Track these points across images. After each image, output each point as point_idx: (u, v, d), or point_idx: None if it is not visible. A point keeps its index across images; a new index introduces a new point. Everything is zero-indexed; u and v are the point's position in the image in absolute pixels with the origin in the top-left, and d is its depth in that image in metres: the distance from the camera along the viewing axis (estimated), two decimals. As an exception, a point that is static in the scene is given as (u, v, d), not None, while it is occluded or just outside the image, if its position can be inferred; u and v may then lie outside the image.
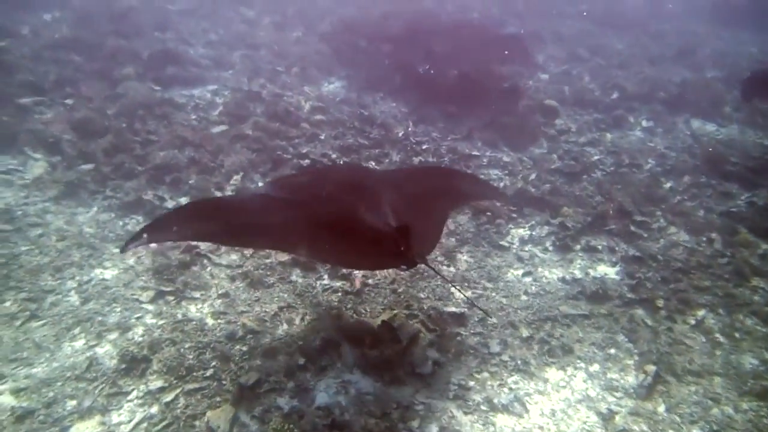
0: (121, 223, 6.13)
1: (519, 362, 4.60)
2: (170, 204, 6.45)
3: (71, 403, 4.06)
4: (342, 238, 4.13)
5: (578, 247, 6.05)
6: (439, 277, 5.49)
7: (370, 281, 5.48)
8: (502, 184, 7.05)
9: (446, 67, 9.28)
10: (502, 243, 6.13)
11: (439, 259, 5.87)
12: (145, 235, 3.65)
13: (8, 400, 4.05)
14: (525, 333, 4.89)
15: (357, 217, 4.17)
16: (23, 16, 11.51)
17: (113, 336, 4.69)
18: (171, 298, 5.15)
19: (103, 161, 6.97)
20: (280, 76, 9.84)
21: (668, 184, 6.83)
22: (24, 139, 7.22)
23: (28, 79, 8.58)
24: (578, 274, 5.68)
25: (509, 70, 9.78)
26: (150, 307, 5.04)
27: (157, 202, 6.42)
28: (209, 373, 4.35)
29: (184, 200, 6.54)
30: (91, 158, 7.02)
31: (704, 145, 7.51)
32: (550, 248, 6.09)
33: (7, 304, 4.88)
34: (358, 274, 5.56)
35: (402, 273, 5.52)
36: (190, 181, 6.73)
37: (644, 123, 8.42)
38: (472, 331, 4.91)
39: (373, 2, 13.97)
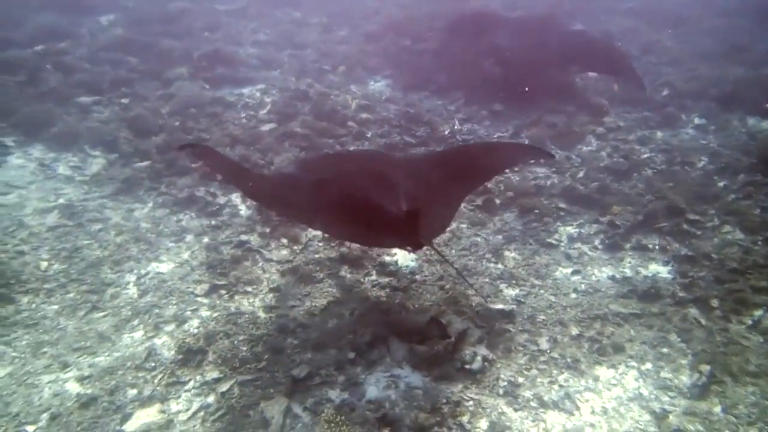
0: (175, 218, 6.31)
1: (569, 360, 4.58)
2: (222, 200, 6.60)
3: (132, 392, 4.22)
4: (354, 216, 4.47)
5: (628, 245, 5.97)
6: (467, 274, 5.52)
7: (417, 277, 5.53)
8: (549, 182, 7.01)
9: (517, 65, 9.22)
10: (550, 241, 6.09)
11: (486, 256, 5.88)
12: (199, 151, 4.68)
13: (74, 388, 4.23)
14: (574, 331, 4.87)
15: (370, 198, 4.44)
16: (81, 18, 11.90)
17: (170, 328, 4.84)
18: (224, 291, 5.29)
19: (157, 158, 7.18)
20: (326, 75, 9.95)
21: (722, 183, 6.68)
22: (84, 137, 7.49)
23: (86, 79, 8.91)
24: (629, 272, 5.61)
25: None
26: (204, 300, 5.18)
27: (209, 198, 6.58)
28: (262, 365, 4.46)
29: (234, 197, 6.68)
30: (146, 156, 7.25)
31: (761, 142, 7.31)
32: (600, 246, 6.03)
33: (71, 295, 5.10)
34: None
35: (450, 271, 5.55)
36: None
37: (696, 120, 8.24)
38: (520, 328, 4.90)
39: (419, 2, 13.98)
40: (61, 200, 6.38)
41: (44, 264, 5.41)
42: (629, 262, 5.76)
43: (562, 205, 6.62)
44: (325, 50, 11.03)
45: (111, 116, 8.11)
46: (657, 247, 5.90)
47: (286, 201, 4.80)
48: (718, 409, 4.14)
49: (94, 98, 8.55)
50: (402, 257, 5.83)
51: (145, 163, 7.09)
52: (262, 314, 5.02)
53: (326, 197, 4.60)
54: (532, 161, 7.41)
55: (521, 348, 4.71)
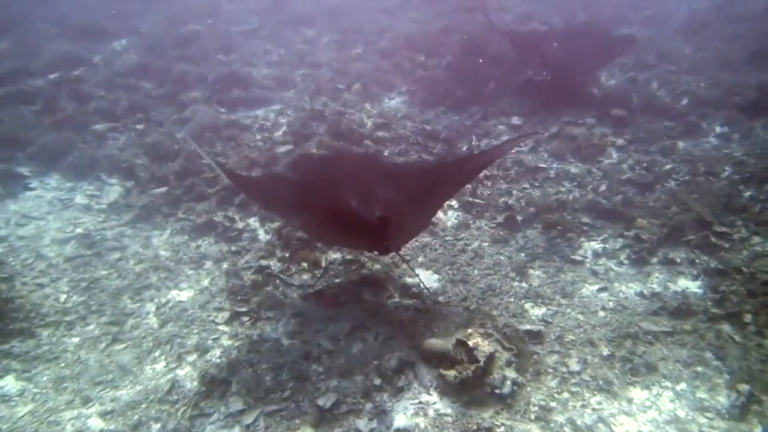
0: (194, 245, 6.27)
1: (601, 381, 4.45)
2: (240, 225, 6.56)
3: (156, 426, 4.15)
4: (330, 219, 4.84)
5: (655, 260, 5.84)
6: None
7: (441, 298, 5.44)
8: (571, 197, 6.89)
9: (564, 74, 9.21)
10: (574, 257, 5.97)
11: (510, 274, 5.77)
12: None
13: (97, 423, 4.17)
14: (605, 351, 4.74)
15: (346, 203, 4.76)
16: (95, 45, 11.99)
17: (192, 358, 4.78)
18: (246, 318, 5.22)
19: (174, 184, 7.15)
20: (341, 93, 9.91)
21: (748, 193, 6.52)
22: (100, 164, 7.49)
23: (101, 106, 8.94)
24: (657, 288, 5.47)
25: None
26: (226, 328, 5.12)
27: (227, 224, 6.54)
28: (287, 394, 4.38)
29: (252, 221, 6.64)
30: (163, 182, 7.22)
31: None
32: (626, 262, 5.90)
33: (91, 327, 5.05)
34: None
35: (474, 291, 5.45)
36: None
37: (718, 129, 8.08)
38: (549, 350, 4.79)
39: (432, 17, 13.97)
40: (79, 230, 6.35)
41: (64, 296, 5.37)
42: (657, 278, 5.62)
43: (585, 220, 6.50)
44: (339, 68, 11.00)
45: (127, 143, 8.12)
46: (685, 260, 5.76)
47: (271, 199, 5.18)
48: (758, 430, 4.00)
49: (109, 125, 8.57)
50: (424, 278, 5.73)
51: (162, 189, 7.06)
52: (285, 341, 4.94)
53: (305, 198, 4.94)
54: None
55: (551, 370, 4.59)
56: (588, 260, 5.96)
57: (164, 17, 14.11)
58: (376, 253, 5.37)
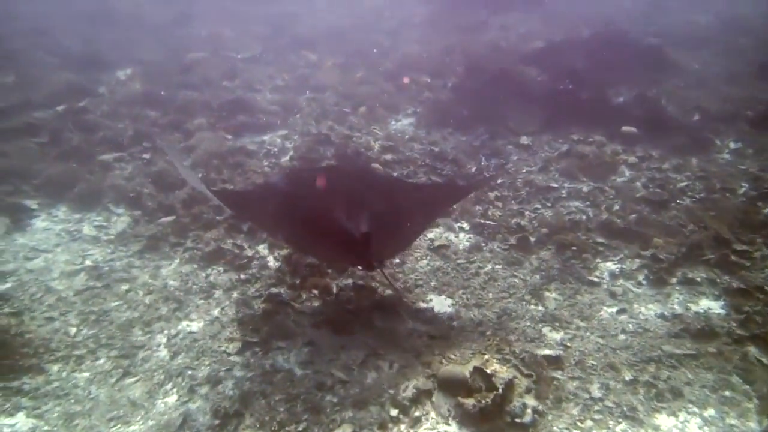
0: (203, 274, 6.18)
1: (625, 408, 4.33)
2: (249, 252, 6.48)
3: (169, 463, 4.04)
4: (315, 232, 4.95)
5: (674, 280, 5.74)
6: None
7: (455, 324, 5.33)
8: (584, 217, 6.81)
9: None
10: (591, 278, 5.88)
11: (526, 297, 5.67)
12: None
13: (109, 462, 4.06)
14: (628, 376, 4.62)
15: (332, 218, 4.89)
16: (99, 75, 12.02)
17: (204, 390, 4.67)
18: (257, 348, 5.11)
19: (182, 213, 7.09)
20: (347, 117, 9.89)
21: (767, 209, 6.45)
22: (107, 195, 7.44)
23: (107, 136, 8.90)
24: (678, 309, 5.36)
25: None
26: (238, 358, 5.00)
27: (236, 251, 6.46)
28: (302, 426, 4.25)
29: (261, 248, 6.56)
30: (170, 210, 7.16)
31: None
32: (644, 282, 5.80)
33: (101, 361, 4.94)
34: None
35: (490, 315, 5.35)
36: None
37: (732, 145, 8.00)
38: (569, 375, 4.68)
39: (434, 38, 14.01)
40: (88, 262, 6.28)
41: (73, 329, 5.27)
42: (677, 298, 5.52)
43: (600, 240, 6.41)
44: (343, 92, 11.00)
45: (134, 172, 8.07)
46: (705, 280, 5.66)
47: (258, 210, 5.30)
48: (793, 456, 3.87)
49: (115, 155, 8.52)
50: (437, 303, 5.64)
51: (170, 218, 7.00)
52: (298, 371, 4.83)
53: (293, 210, 5.07)
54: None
55: (572, 397, 4.47)
56: (605, 281, 5.86)
57: (167, 46, 14.19)
58: (359, 268, 5.68)
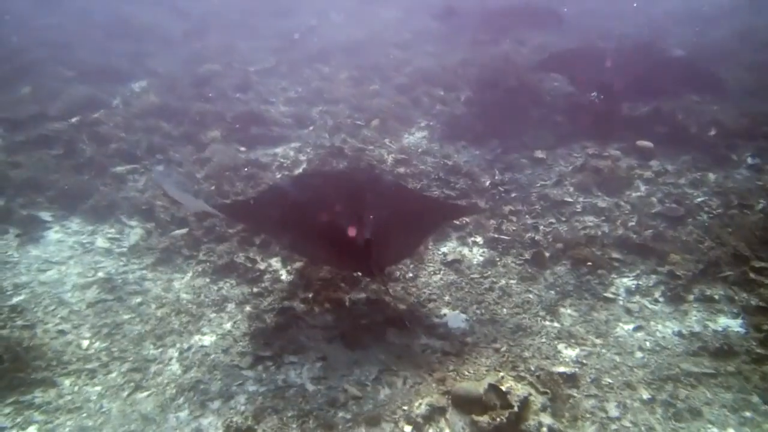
0: (215, 287, 6.16)
1: (643, 428, 4.25)
2: (262, 266, 6.45)
3: (181, 480, 4.00)
4: (318, 237, 5.10)
5: (692, 297, 5.65)
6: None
7: (469, 339, 5.28)
8: (600, 232, 6.74)
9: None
10: (606, 294, 5.81)
11: (540, 313, 5.61)
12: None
13: (120, 478, 4.03)
14: (645, 394, 4.55)
15: (337, 223, 4.96)
16: (113, 87, 12.07)
17: (216, 405, 4.63)
18: (270, 363, 5.07)
19: (194, 225, 7.08)
20: (360, 130, 9.87)
21: (786, 226, 6.37)
22: (120, 207, 7.45)
23: (121, 148, 8.92)
24: (696, 327, 5.28)
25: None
26: (250, 373, 4.97)
27: (249, 264, 6.44)
28: (315, 443, 4.22)
29: (274, 261, 6.53)
30: (183, 223, 7.15)
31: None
32: (661, 299, 5.72)
33: (113, 375, 4.92)
34: None
35: (504, 331, 5.30)
36: (279, 241, 6.71)
37: (749, 160, 7.87)
38: (586, 393, 4.61)
39: (448, 51, 14.01)
40: (101, 274, 6.27)
41: (86, 343, 5.26)
42: (695, 316, 5.43)
43: (616, 256, 6.34)
44: (357, 104, 10.98)
45: (147, 184, 8.08)
46: (723, 298, 5.57)
47: (263, 215, 5.42)
48: (816, 479, 3.78)
49: (129, 167, 8.54)
50: (451, 318, 5.59)
51: (182, 231, 6.99)
52: (310, 386, 4.79)
53: (297, 216, 5.19)
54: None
55: (589, 415, 4.40)
56: (621, 298, 5.79)
57: (181, 58, 14.24)
58: (359, 274, 5.87)
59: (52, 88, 11.28)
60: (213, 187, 7.90)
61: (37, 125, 9.54)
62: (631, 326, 5.38)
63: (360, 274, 5.85)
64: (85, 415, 4.52)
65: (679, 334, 5.21)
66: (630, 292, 5.86)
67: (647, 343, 5.13)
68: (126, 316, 5.64)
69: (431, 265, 6.51)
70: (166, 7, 19.67)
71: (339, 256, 5.21)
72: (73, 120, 9.93)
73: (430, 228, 5.98)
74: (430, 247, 6.80)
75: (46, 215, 7.30)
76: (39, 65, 12.84)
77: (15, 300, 5.74)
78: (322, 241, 5.12)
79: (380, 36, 16.26)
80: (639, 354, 5.00)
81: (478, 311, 5.71)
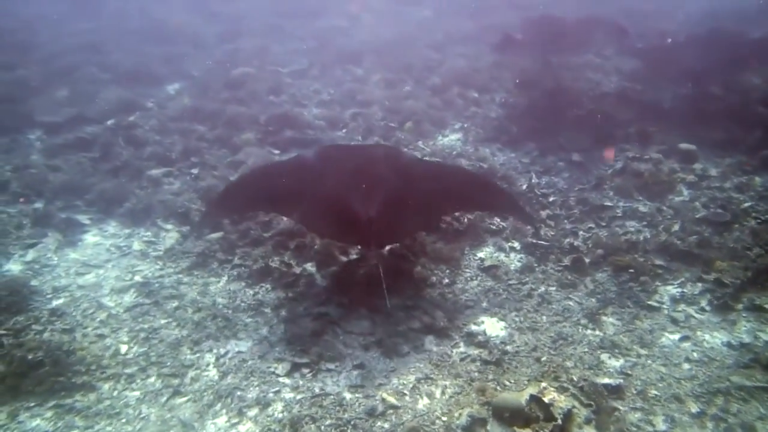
0: (251, 291, 6.13)
1: (693, 443, 4.12)
2: (297, 270, 6.41)
3: (220, 489, 3.96)
4: (326, 210, 5.43)
5: (740, 306, 5.47)
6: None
7: (508, 348, 5.17)
8: (641, 237, 6.58)
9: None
10: (650, 303, 5.65)
11: (582, 321, 5.48)
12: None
13: (160, 486, 4.01)
14: (694, 408, 4.40)
15: (346, 197, 5.35)
16: (149, 90, 12.18)
17: (253, 412, 4.60)
18: (306, 370, 5.02)
19: (229, 229, 7.07)
20: (393, 132, 9.80)
21: (837, 232, 6.15)
22: (156, 210, 7.48)
23: (156, 151, 8.97)
24: (746, 338, 5.10)
25: None
26: (287, 380, 4.93)
27: (284, 269, 6.40)
28: (353, 454, 4.16)
29: (309, 266, 6.49)
30: (218, 226, 7.14)
31: None
32: (708, 308, 5.54)
33: (152, 380, 4.92)
34: None
35: (544, 340, 5.18)
36: (314, 246, 6.67)
37: (800, 163, 7.66)
38: (631, 406, 4.47)
39: (482, 52, 13.88)
40: (138, 278, 6.29)
41: (124, 347, 5.27)
42: (745, 326, 5.26)
43: (659, 262, 6.17)
44: (390, 107, 10.90)
45: (182, 187, 8.11)
46: (774, 307, 5.39)
47: (279, 196, 5.75)
48: None
49: (164, 170, 8.58)
50: (490, 326, 5.49)
51: (218, 235, 6.98)
52: (347, 394, 4.73)
53: (312, 191, 5.54)
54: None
55: (635, 429, 4.27)
56: (665, 306, 5.63)
57: (215, 60, 14.32)
58: (358, 248, 6.31)
59: (88, 91, 11.44)
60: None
61: (74, 128, 9.67)
62: (677, 336, 5.22)
63: (359, 249, 6.29)
64: (124, 420, 4.51)
65: (729, 345, 5.04)
66: (675, 300, 5.69)
67: (695, 354, 4.97)
68: (163, 321, 5.64)
69: (468, 270, 6.42)
70: (199, 10, 19.84)
71: (344, 230, 5.50)
72: (109, 123, 10.05)
73: (452, 204, 6.17)
74: (466, 252, 6.70)
75: (83, 218, 7.36)
76: (75, 69, 13.04)
77: (54, 303, 5.79)
78: (330, 213, 5.44)
79: (412, 37, 16.17)
80: (686, 365, 4.85)
81: (517, 318, 5.60)
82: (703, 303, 5.61)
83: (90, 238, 7.07)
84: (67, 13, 19.07)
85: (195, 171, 8.66)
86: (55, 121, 9.95)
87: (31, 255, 6.63)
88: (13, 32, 16.15)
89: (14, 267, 6.40)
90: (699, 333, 5.24)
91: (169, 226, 7.29)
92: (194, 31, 17.13)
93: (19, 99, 10.85)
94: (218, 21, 18.67)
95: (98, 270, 6.43)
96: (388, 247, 6.48)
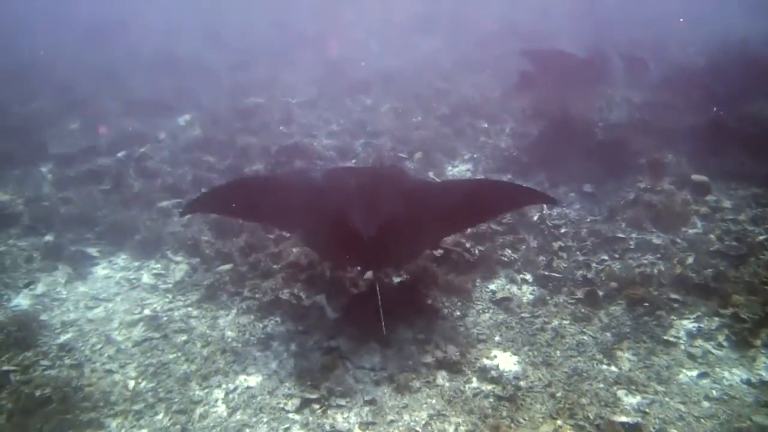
0: (260, 325, 6.06)
1: (715, 485, 4.00)
2: (307, 303, 6.35)
3: None
4: (327, 229, 5.49)
5: (759, 342, 5.34)
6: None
7: (522, 383, 5.07)
8: (656, 270, 6.49)
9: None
10: (666, 338, 5.54)
11: (597, 356, 5.38)
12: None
13: None
14: (715, 448, 4.29)
15: (347, 217, 5.33)
16: (160, 121, 12.30)
17: (263, 451, 4.52)
18: (317, 406, 4.94)
19: (239, 261, 7.04)
20: (403, 162, 9.80)
21: None
22: (166, 242, 7.47)
23: (167, 182, 9.01)
24: (766, 375, 4.98)
25: None
26: (297, 416, 4.84)
27: (294, 301, 6.34)
28: (364, 495, 4.06)
29: (319, 298, 6.43)
30: (228, 258, 7.12)
31: None
32: (725, 344, 5.43)
33: (160, 416, 4.84)
34: None
35: (559, 376, 5.08)
36: (324, 278, 6.62)
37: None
38: (650, 445, 4.36)
39: (491, 82, 13.92)
40: (147, 311, 6.25)
41: (132, 382, 5.21)
42: (764, 363, 5.13)
43: (674, 296, 6.07)
44: (399, 136, 10.91)
45: (192, 219, 8.09)
46: (795, 343, 5.27)
47: (280, 203, 5.73)
48: None
49: (175, 201, 8.59)
50: (503, 360, 5.39)
51: (227, 267, 6.95)
52: (358, 432, 4.64)
53: (314, 209, 5.57)
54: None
55: (655, 470, 4.16)
56: (682, 341, 5.51)
57: (225, 91, 14.46)
58: (358, 269, 6.34)
59: (100, 123, 11.53)
60: (258, 223, 7.85)
61: (86, 160, 9.75)
62: (695, 373, 5.11)
63: (360, 270, 6.34)
64: (132, 459, 4.45)
65: (748, 383, 4.92)
66: (691, 335, 5.58)
67: (714, 392, 4.85)
68: (172, 355, 5.58)
69: (479, 303, 6.34)
70: (210, 42, 20.11)
71: (344, 254, 5.69)
72: (121, 154, 10.11)
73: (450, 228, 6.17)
74: (477, 284, 6.62)
75: (93, 251, 7.36)
76: (89, 99, 13.21)
77: (63, 338, 5.75)
78: (331, 232, 5.50)
79: (420, 66, 16.29)
80: (706, 403, 4.73)
81: (530, 353, 5.51)
82: (721, 338, 5.49)
83: (100, 270, 7.06)
84: (81, 46, 19.38)
85: (205, 202, 8.65)
86: (68, 153, 10.03)
87: (40, 288, 6.63)
88: (29, 66, 16.41)
89: (24, 301, 6.39)
90: (718, 369, 5.12)
91: (178, 258, 7.27)
92: (205, 62, 17.33)
93: (34, 131, 10.97)
94: (229, 52, 18.90)
95: (107, 303, 6.40)
96: (397, 279, 6.44)
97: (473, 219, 6.36)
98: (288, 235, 7.42)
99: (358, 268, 6.23)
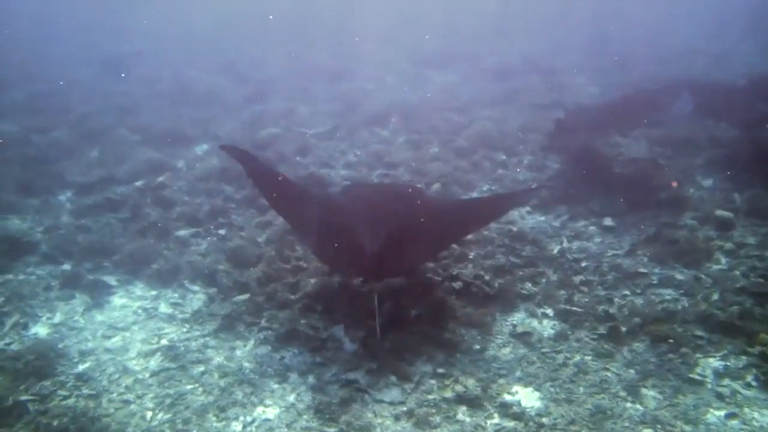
0: (278, 356, 6.00)
1: None
2: (324, 334, 6.28)
3: None
4: (335, 240, 5.79)
5: (789, 382, 5.24)
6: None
7: (545, 420, 4.96)
8: (680, 306, 6.39)
9: None
10: (692, 376, 5.42)
11: (621, 394, 5.26)
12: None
13: None
14: (747, 493, 4.16)
15: (354, 230, 5.72)
16: (178, 150, 12.39)
17: (281, 487, 4.42)
18: (335, 441, 4.86)
19: (256, 291, 7.01)
20: (420, 193, 9.78)
21: None
22: (183, 271, 7.46)
23: (185, 212, 9.03)
24: (797, 416, 4.87)
25: None
26: (315, 452, 4.76)
27: (311, 332, 6.28)
28: None
29: (337, 330, 6.36)
30: (245, 288, 7.09)
31: None
32: (754, 383, 5.29)
33: (177, 451, 4.78)
34: None
35: (582, 413, 4.97)
36: (342, 309, 6.56)
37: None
38: (680, 488, 4.24)
39: (508, 115, 13.95)
40: (164, 341, 6.21)
41: (149, 414, 5.14)
42: (795, 404, 5.01)
43: (699, 333, 5.95)
44: (416, 168, 10.91)
45: (209, 248, 8.11)
46: (827, 383, 5.14)
47: (299, 214, 6.25)
48: None
49: (192, 231, 8.61)
50: (524, 396, 5.29)
51: (244, 297, 6.92)
52: (378, 469, 4.55)
53: (325, 219, 6.01)
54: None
55: None
56: (709, 380, 5.38)
57: (243, 122, 14.58)
58: (360, 280, 6.70)
59: (118, 152, 11.65)
60: (274, 252, 7.84)
61: (104, 189, 9.80)
62: (723, 413, 4.97)
63: (361, 282, 6.72)
64: (148, 493, 4.37)
65: (779, 424, 4.80)
66: (718, 374, 5.46)
67: (744, 434, 4.73)
68: (189, 386, 5.52)
69: (500, 337, 6.25)
70: (228, 73, 20.36)
71: (347, 265, 5.97)
72: (139, 183, 10.17)
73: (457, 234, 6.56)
74: (497, 318, 6.54)
75: (111, 280, 7.36)
76: (106, 130, 13.34)
77: (80, 368, 5.71)
78: (338, 243, 5.78)
79: (437, 99, 16.37)
80: (736, 445, 4.61)
81: (552, 389, 5.40)
82: (749, 378, 5.36)
83: (117, 299, 7.04)
84: (99, 76, 19.68)
85: (222, 232, 8.68)
86: (86, 182, 10.11)
87: (58, 317, 6.62)
88: (48, 96, 16.68)
89: (42, 330, 6.38)
90: (747, 410, 4.98)
91: (195, 288, 7.25)
92: (223, 93, 17.52)
93: (52, 160, 11.08)
94: (246, 83, 19.10)
95: (125, 333, 6.37)
96: (414, 312, 6.39)
97: (464, 231, 6.70)
98: (305, 265, 7.41)
99: (361, 280, 6.71)
